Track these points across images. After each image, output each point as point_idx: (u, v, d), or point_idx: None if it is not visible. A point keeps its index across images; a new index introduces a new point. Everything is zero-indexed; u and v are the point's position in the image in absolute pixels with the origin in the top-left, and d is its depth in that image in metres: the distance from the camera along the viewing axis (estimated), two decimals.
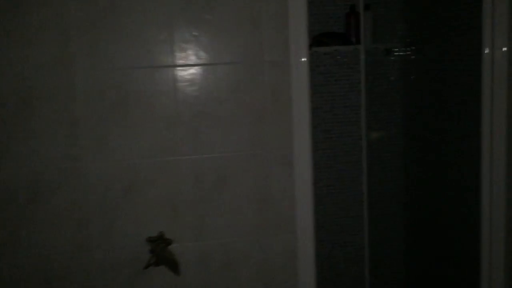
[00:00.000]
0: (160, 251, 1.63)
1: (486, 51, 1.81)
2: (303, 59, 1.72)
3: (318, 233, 3.05)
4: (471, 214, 2.20)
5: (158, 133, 1.68)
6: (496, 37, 1.78)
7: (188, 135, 1.70)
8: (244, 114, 1.72)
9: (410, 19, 2.88)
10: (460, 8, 2.32)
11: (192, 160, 1.71)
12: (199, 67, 1.69)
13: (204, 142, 1.71)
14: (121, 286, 1.72)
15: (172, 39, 1.66)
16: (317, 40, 2.91)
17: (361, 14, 2.78)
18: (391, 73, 3.06)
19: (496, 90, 1.81)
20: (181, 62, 1.67)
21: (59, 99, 1.62)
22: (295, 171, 1.75)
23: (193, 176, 1.72)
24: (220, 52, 1.69)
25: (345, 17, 2.94)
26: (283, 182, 1.76)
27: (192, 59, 1.68)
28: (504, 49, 1.78)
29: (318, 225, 3.08)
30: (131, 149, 1.67)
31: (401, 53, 3.03)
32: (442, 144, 2.55)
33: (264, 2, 1.69)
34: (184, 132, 1.70)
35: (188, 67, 1.68)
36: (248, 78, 1.71)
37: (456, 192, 2.43)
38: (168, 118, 1.68)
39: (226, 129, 1.72)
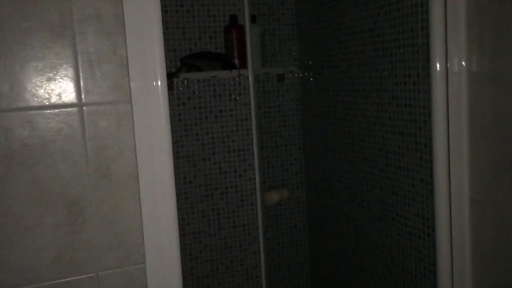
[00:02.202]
0: None
1: (437, 67, 1.29)
2: (157, 96, 0.94)
3: None
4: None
5: None
6: (451, 50, 1.27)
7: None
8: (48, 209, 0.88)
9: (308, 35, 2.22)
10: (368, 19, 1.68)
11: None
12: None
13: None
14: None
15: None
16: (187, 63, 2.14)
17: (247, 28, 2.05)
18: (287, 106, 2.36)
19: (453, 119, 1.28)
20: None
21: None
22: None
23: None
24: None
25: (223, 32, 2.19)
26: None
27: None
28: (463, 63, 1.27)
29: None
30: None
31: (298, 79, 2.34)
32: (352, 198, 1.90)
33: None
34: None
35: None
36: (50, 136, 0.88)
37: (368, 260, 1.80)
38: None
39: (14, 240, 0.86)
